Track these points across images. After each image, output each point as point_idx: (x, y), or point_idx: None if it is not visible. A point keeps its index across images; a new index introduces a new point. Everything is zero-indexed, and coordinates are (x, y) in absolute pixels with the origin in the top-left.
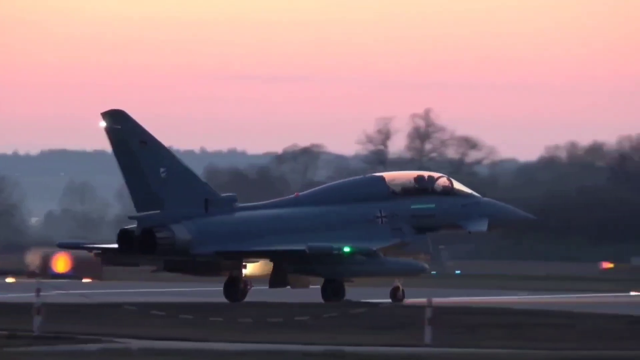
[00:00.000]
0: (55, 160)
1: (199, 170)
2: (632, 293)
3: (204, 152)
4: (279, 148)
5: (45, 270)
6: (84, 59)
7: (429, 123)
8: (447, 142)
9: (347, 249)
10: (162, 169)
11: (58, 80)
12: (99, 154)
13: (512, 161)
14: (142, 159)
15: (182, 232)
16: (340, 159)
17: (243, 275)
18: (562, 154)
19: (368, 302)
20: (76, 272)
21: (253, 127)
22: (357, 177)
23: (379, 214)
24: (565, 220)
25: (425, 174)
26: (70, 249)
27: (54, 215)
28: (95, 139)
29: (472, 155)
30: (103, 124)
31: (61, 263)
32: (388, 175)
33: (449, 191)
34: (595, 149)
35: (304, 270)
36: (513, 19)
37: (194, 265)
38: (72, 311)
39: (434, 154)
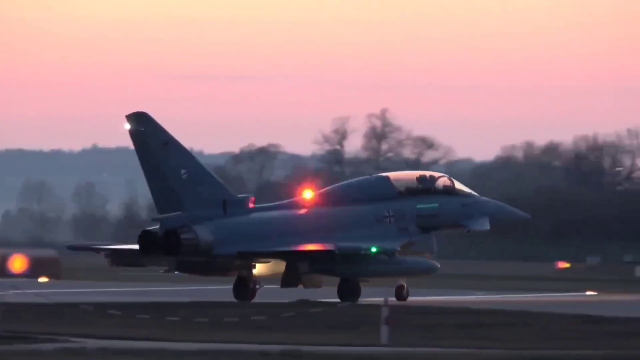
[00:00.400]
0: (12, 160)
1: None
2: (588, 293)
3: None
4: (235, 148)
5: (2, 270)
6: (39, 58)
7: (386, 123)
8: (403, 142)
9: (374, 249)
10: (183, 171)
11: (14, 79)
12: (55, 154)
13: (468, 161)
14: (164, 160)
15: (205, 233)
16: (296, 158)
17: (253, 275)
18: (519, 154)
19: (325, 302)
20: (33, 271)
21: (210, 127)
22: (364, 177)
23: (387, 214)
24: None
25: (427, 173)
26: (79, 250)
27: (10, 215)
28: (52, 139)
29: (429, 155)
30: (127, 126)
31: (18, 263)
32: (393, 175)
33: (451, 191)
34: (552, 149)
35: (322, 271)
36: (469, 20)
37: (205, 265)
38: (29, 311)
39: (390, 154)
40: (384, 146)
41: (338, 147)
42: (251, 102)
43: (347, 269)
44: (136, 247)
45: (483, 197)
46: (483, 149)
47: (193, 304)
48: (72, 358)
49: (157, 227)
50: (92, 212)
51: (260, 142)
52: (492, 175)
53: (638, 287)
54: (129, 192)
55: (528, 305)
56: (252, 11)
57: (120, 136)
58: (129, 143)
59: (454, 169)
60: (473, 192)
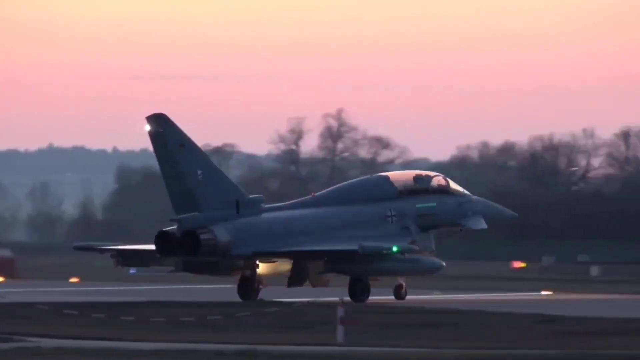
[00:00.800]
0: None
1: (111, 169)
2: (543, 292)
3: (116, 152)
4: None
5: None
6: None
7: (341, 123)
8: (359, 142)
9: (395, 249)
10: (199, 172)
11: None
12: (11, 154)
13: (424, 161)
14: (181, 161)
15: (222, 233)
16: (252, 158)
17: (257, 275)
18: (474, 154)
19: (281, 302)
20: None
21: None
22: (364, 177)
23: (389, 214)
24: None
25: (423, 173)
26: (85, 250)
27: None
28: (8, 138)
29: (384, 155)
30: (147, 127)
31: None
32: (392, 175)
33: (446, 190)
34: (507, 149)
35: (339, 270)
36: (424, 20)
37: (211, 265)
38: None
39: (346, 154)
40: (340, 146)
41: (294, 147)
42: (207, 101)
43: (366, 268)
44: (141, 247)
45: (474, 196)
46: (439, 149)
47: (150, 304)
48: (28, 357)
49: (174, 227)
50: (48, 211)
51: (215, 141)
52: (447, 175)
53: (592, 287)
54: (85, 191)
55: (484, 304)
56: (207, 11)
57: (76, 136)
58: (84, 142)
59: (410, 169)
60: (466, 191)
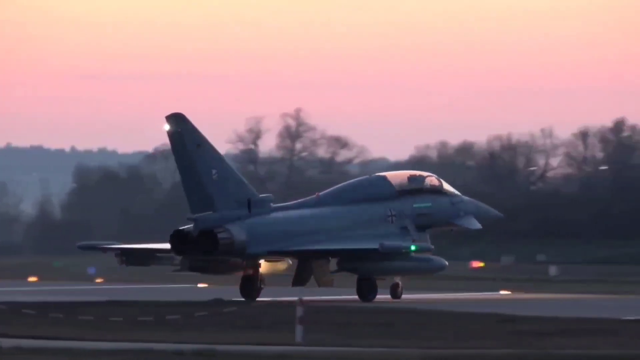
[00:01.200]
0: None
1: (69, 169)
2: (502, 292)
3: (74, 152)
4: (149, 147)
5: None
6: None
7: (300, 122)
8: (317, 142)
9: (413, 248)
10: (214, 171)
11: None
12: None
13: (383, 161)
14: (197, 161)
15: (239, 232)
16: None
17: (259, 274)
18: (433, 154)
19: (239, 301)
20: None
21: (124, 126)
22: (364, 177)
23: (390, 213)
24: None
25: (417, 173)
26: (89, 250)
27: None
28: None
29: (343, 155)
30: (167, 127)
31: None
32: (389, 175)
33: (440, 190)
34: (466, 149)
35: (351, 269)
36: (383, 19)
37: (215, 264)
38: None
39: (304, 153)
40: (298, 145)
41: (252, 146)
42: (166, 100)
43: (380, 267)
44: (145, 246)
45: (465, 197)
46: (397, 149)
47: (108, 303)
48: None
49: (190, 226)
50: (5, 211)
51: None
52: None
53: (551, 287)
54: (43, 191)
55: (442, 304)
56: (164, 10)
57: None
58: (43, 142)
59: (369, 168)
60: (457, 192)
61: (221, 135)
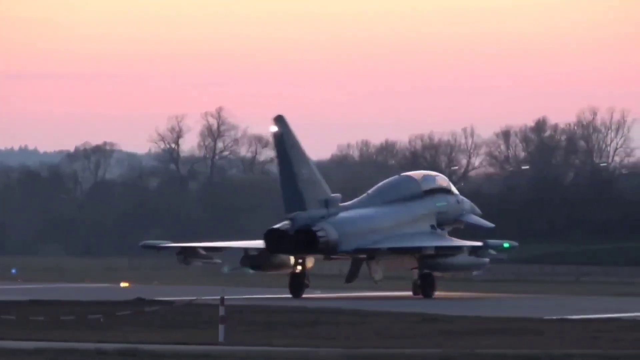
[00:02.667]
0: None
1: None
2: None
3: None
4: (70, 146)
5: None
6: None
7: (221, 121)
8: (239, 141)
9: (506, 245)
10: (304, 171)
11: None
12: None
13: None
14: (294, 161)
15: (332, 231)
16: (132, 157)
17: (306, 271)
18: (355, 153)
19: (162, 301)
20: None
21: (45, 125)
22: (395, 177)
23: (423, 212)
24: None
25: (432, 173)
26: (151, 249)
27: None
28: None
29: (265, 154)
30: (273, 128)
31: None
32: (413, 174)
33: (449, 189)
34: (387, 148)
35: (427, 266)
36: (304, 16)
37: (270, 262)
38: None
39: (226, 152)
40: (220, 144)
41: (174, 145)
42: (87, 99)
43: (452, 263)
44: (204, 244)
45: (461, 196)
46: (319, 148)
47: (30, 303)
48: None
49: (284, 224)
50: None
51: (95, 140)
52: (328, 173)
53: (473, 286)
54: None
55: (365, 303)
56: (88, 8)
57: None
58: None
59: None
60: (457, 190)
61: (143, 134)
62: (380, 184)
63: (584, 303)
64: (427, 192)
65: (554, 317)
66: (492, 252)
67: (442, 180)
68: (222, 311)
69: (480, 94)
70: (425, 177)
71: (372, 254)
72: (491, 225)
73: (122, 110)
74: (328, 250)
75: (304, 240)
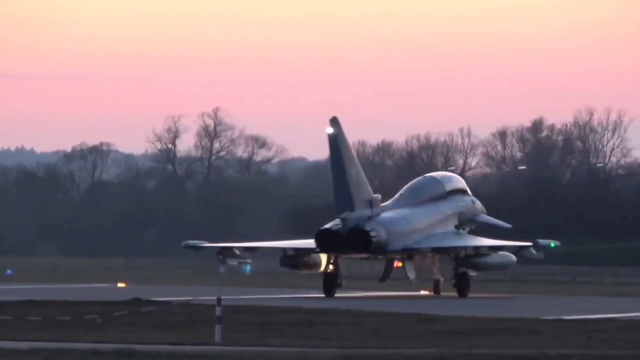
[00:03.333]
0: None
1: None
2: (422, 292)
3: None
4: (67, 146)
5: None
6: None
7: (218, 122)
8: (236, 141)
9: (552, 245)
10: (352, 172)
11: None
12: None
13: (301, 160)
14: (345, 161)
15: (382, 231)
16: (129, 157)
17: (339, 271)
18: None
19: (158, 301)
20: None
21: (42, 125)
22: (420, 178)
23: (449, 212)
24: None
25: (452, 174)
26: (193, 249)
27: None
28: None
29: (261, 154)
30: (330, 129)
31: None
32: (436, 175)
33: (465, 189)
34: (384, 148)
35: (465, 264)
36: (301, 19)
37: (305, 262)
38: None
39: (223, 153)
40: (216, 145)
41: (170, 145)
42: (84, 100)
43: (488, 261)
44: (243, 244)
45: (473, 197)
46: (316, 148)
47: (26, 303)
48: None
49: (335, 225)
50: None
51: (92, 140)
52: (325, 173)
53: (473, 286)
54: None
55: (361, 304)
56: (82, 9)
57: None
58: None
59: (287, 167)
60: (469, 191)
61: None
62: (409, 185)
63: (581, 303)
64: (450, 193)
65: (551, 318)
66: (534, 251)
67: (459, 180)
68: (218, 311)
69: (477, 94)
70: (446, 177)
71: (417, 253)
72: (508, 225)
73: (119, 111)
74: (378, 250)
75: (356, 240)
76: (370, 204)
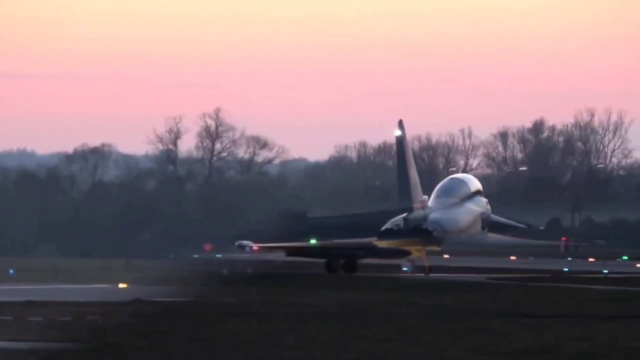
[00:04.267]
0: None
1: None
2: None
3: None
4: (69, 148)
5: None
6: None
7: (219, 122)
8: (237, 142)
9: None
10: (412, 174)
11: None
12: None
13: (302, 161)
14: (408, 164)
15: (440, 229)
16: (130, 158)
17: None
18: (352, 154)
19: (159, 301)
20: None
21: (42, 127)
22: (448, 179)
23: (478, 211)
24: (351, 217)
25: (468, 175)
26: (243, 248)
27: None
28: None
29: (263, 155)
30: (398, 132)
31: None
32: (460, 177)
33: (482, 191)
34: (385, 149)
35: None
36: (302, 18)
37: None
38: None
39: (224, 154)
40: (218, 146)
41: (171, 146)
42: (85, 101)
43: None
44: (293, 244)
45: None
46: (317, 149)
47: (27, 303)
48: None
49: (396, 224)
50: None
51: (93, 141)
52: (325, 174)
53: None
54: None
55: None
56: (81, 9)
57: None
58: None
59: (288, 168)
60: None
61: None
62: (440, 185)
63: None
64: (474, 194)
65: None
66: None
67: (477, 182)
68: None
69: (478, 95)
70: (468, 178)
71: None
72: (523, 226)
73: (120, 112)
74: (437, 247)
75: (419, 238)
76: (423, 203)
